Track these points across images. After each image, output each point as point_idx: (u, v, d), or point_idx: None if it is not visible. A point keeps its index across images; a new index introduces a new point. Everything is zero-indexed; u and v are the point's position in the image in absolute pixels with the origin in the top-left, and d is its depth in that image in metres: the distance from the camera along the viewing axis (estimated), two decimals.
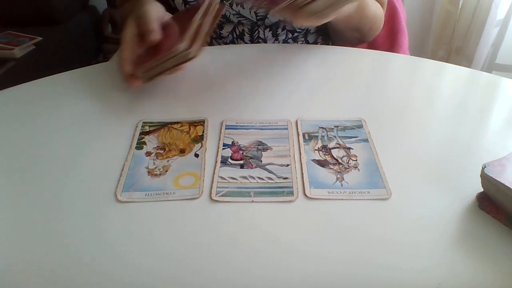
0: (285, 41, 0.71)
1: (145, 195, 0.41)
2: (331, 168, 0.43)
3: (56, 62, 1.62)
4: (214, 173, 0.43)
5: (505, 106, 0.54)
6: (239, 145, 0.47)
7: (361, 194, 0.40)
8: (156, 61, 0.49)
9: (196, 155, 0.45)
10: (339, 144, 0.47)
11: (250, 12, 0.66)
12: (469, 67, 1.38)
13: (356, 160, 0.44)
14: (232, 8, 0.66)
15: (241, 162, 0.44)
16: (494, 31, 1.40)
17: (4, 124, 0.51)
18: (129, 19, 0.53)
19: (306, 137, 0.48)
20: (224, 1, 0.62)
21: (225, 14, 0.66)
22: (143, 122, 0.50)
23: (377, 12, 0.66)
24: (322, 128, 0.49)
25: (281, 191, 0.41)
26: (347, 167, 0.44)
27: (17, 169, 0.44)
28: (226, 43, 0.72)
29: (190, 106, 0.53)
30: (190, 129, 0.49)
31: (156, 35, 0.51)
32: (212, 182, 0.42)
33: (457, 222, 0.38)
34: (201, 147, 0.47)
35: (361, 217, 0.38)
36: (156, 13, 0.53)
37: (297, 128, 0.49)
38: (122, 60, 0.52)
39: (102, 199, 0.40)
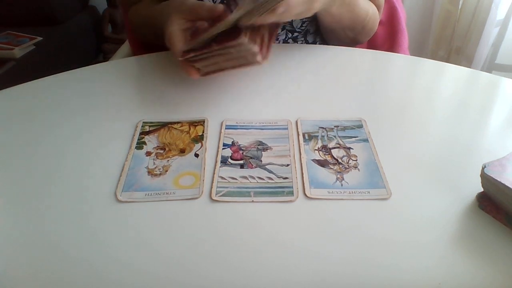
0: (285, 41, 0.71)
1: (145, 195, 0.41)
2: (331, 168, 0.43)
3: (56, 62, 1.62)
4: (214, 173, 0.43)
5: (505, 106, 0.54)
6: (239, 145, 0.47)
7: (361, 194, 0.40)
8: (211, 31, 0.46)
9: (196, 155, 0.45)
10: (339, 144, 0.47)
11: None
12: (469, 67, 1.38)
13: (356, 160, 0.44)
14: None
15: (241, 162, 0.44)
16: (494, 31, 1.40)
17: (4, 124, 0.51)
18: (171, 16, 0.52)
19: (306, 137, 0.48)
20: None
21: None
22: (143, 122, 0.50)
23: (370, 12, 0.66)
24: (322, 128, 0.49)
25: (281, 191, 0.41)
26: (347, 167, 0.44)
27: (16, 169, 0.44)
28: None
29: (190, 106, 0.53)
30: (190, 129, 0.49)
31: (219, 6, 0.50)
32: (212, 182, 0.42)
33: (457, 222, 0.38)
34: (201, 147, 0.47)
35: (361, 217, 0.38)
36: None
37: (297, 128, 0.49)
38: (175, 46, 0.50)
39: (102, 199, 0.40)
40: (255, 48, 0.47)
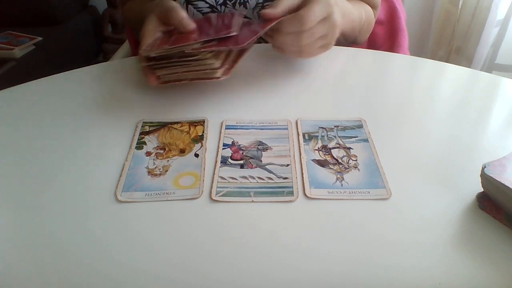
0: None
1: (145, 195, 0.41)
2: (331, 168, 0.43)
3: (56, 62, 1.62)
4: (214, 173, 0.43)
5: (505, 106, 0.54)
6: (239, 145, 0.47)
7: (361, 194, 0.40)
8: (178, 48, 0.48)
9: (196, 155, 0.45)
10: (339, 144, 0.47)
11: (253, 12, 0.66)
12: (469, 67, 1.38)
13: (356, 160, 0.44)
14: (234, 8, 0.66)
15: (241, 162, 0.44)
16: (494, 31, 1.40)
17: (4, 124, 0.51)
18: (150, 16, 0.52)
19: (306, 137, 0.48)
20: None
21: None
22: (143, 122, 0.50)
23: (364, 16, 0.66)
24: (322, 128, 0.49)
25: (281, 191, 0.41)
26: (347, 167, 0.44)
27: (16, 169, 0.44)
28: None
29: (190, 106, 0.53)
30: (190, 129, 0.49)
31: (191, 23, 0.51)
32: (212, 182, 0.42)
33: (457, 222, 0.38)
34: (201, 147, 0.47)
35: (361, 217, 0.38)
36: (181, 9, 0.53)
37: (297, 128, 0.49)
38: (144, 44, 0.51)
39: (102, 199, 0.40)
40: (216, 64, 0.48)
